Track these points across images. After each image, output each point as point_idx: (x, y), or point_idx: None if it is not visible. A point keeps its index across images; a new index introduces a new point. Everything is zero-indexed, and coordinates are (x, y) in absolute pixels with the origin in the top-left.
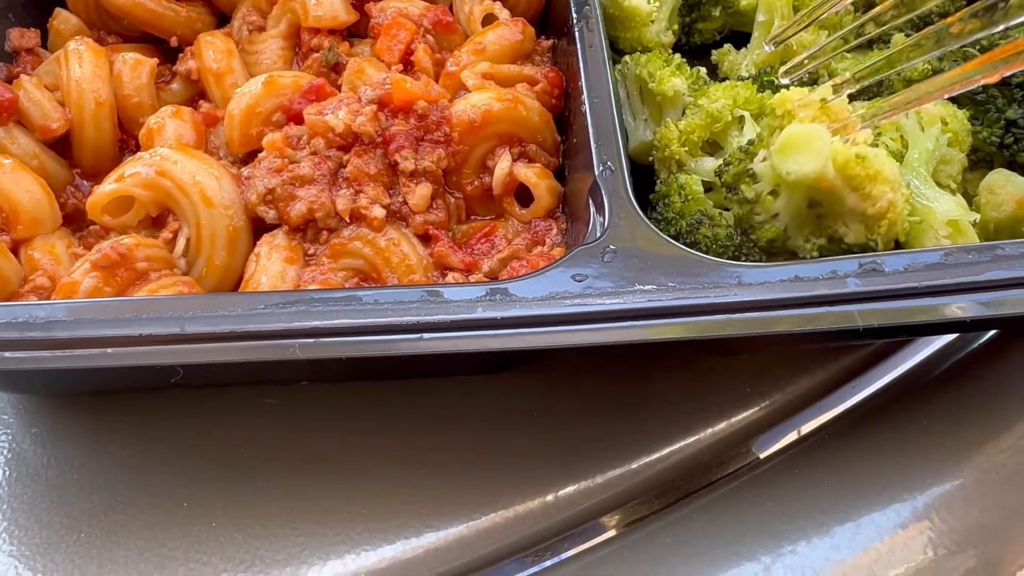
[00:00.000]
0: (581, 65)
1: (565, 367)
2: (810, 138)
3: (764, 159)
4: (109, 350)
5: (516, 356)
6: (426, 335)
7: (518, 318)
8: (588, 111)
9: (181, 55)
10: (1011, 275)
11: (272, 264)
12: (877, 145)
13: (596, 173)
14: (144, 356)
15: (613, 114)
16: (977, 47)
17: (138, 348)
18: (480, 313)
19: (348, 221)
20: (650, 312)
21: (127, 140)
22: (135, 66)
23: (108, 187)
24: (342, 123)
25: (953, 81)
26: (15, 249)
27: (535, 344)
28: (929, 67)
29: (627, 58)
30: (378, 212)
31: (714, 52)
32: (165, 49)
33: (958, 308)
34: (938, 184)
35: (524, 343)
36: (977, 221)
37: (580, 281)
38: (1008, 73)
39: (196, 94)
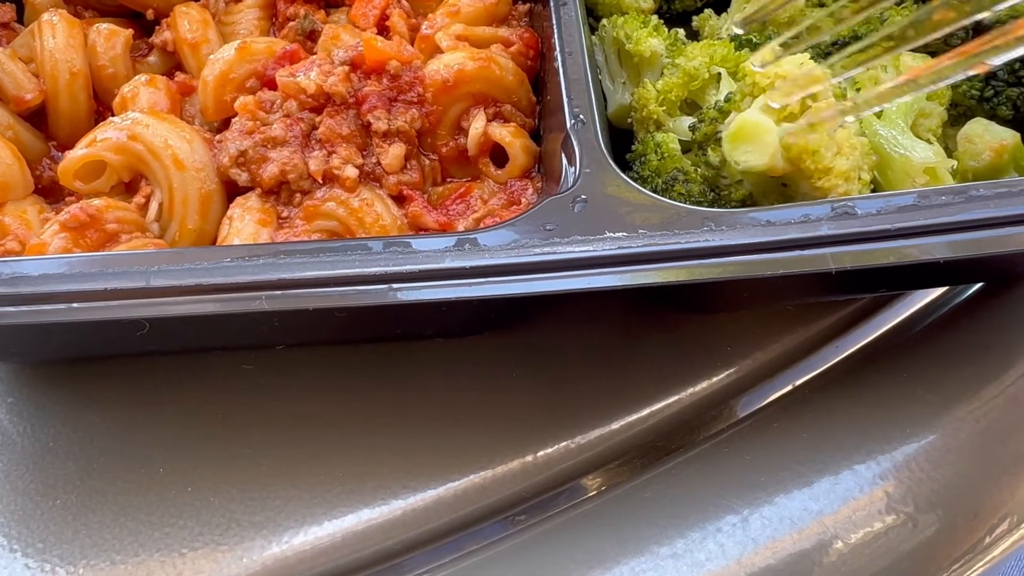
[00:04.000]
0: (554, 21)
1: (543, 329)
2: (758, 131)
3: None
4: (75, 304)
5: (491, 316)
6: (394, 285)
7: (487, 267)
8: (560, 66)
9: (157, 27)
10: (986, 215)
11: (245, 226)
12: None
13: (568, 126)
14: (110, 310)
15: (586, 69)
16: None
17: (104, 302)
18: (448, 263)
19: (321, 182)
20: (621, 259)
21: (103, 112)
22: (109, 36)
23: (79, 152)
24: (314, 84)
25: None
26: None
27: (505, 293)
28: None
29: (604, 21)
30: (351, 172)
31: (694, 18)
32: (143, 24)
33: (932, 249)
34: (918, 139)
35: (494, 292)
36: (955, 168)
37: (550, 230)
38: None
39: (173, 67)
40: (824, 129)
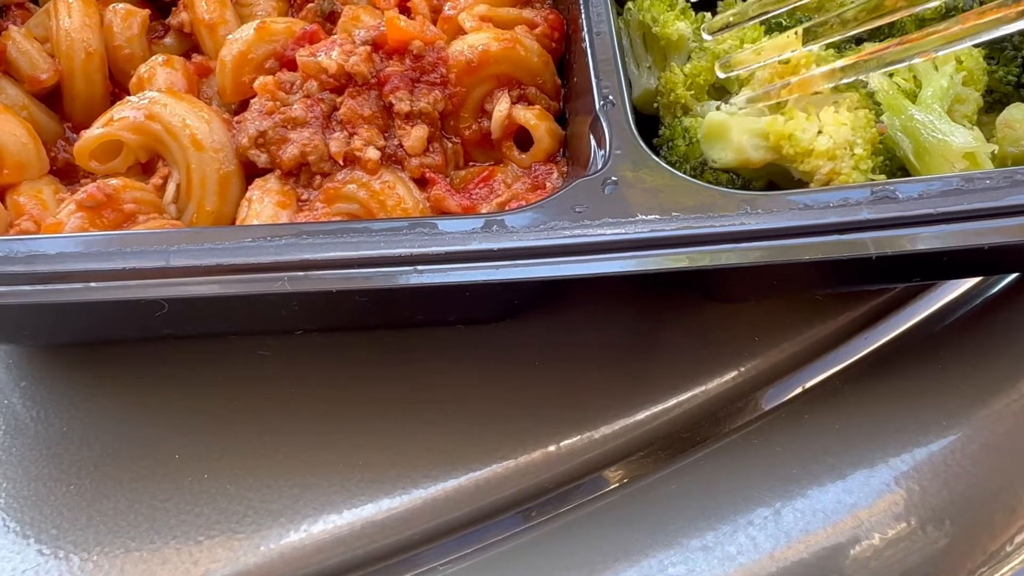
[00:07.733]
0: (581, 1)
1: (566, 318)
2: (722, 129)
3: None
4: (93, 284)
5: (516, 302)
6: (420, 267)
7: (516, 249)
8: (589, 47)
9: (174, 8)
10: None
11: (264, 209)
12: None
13: (597, 107)
14: (128, 290)
15: (615, 49)
16: None
17: (122, 282)
18: (476, 245)
19: (342, 164)
20: (653, 242)
21: (119, 94)
22: (126, 16)
23: (96, 131)
24: (335, 63)
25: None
26: (1, 195)
27: (535, 276)
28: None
29: (630, 4)
30: (372, 154)
31: (720, 2)
32: (159, 5)
33: (976, 234)
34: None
35: (522, 275)
36: (995, 154)
37: (580, 212)
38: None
39: (190, 48)
40: (798, 113)
